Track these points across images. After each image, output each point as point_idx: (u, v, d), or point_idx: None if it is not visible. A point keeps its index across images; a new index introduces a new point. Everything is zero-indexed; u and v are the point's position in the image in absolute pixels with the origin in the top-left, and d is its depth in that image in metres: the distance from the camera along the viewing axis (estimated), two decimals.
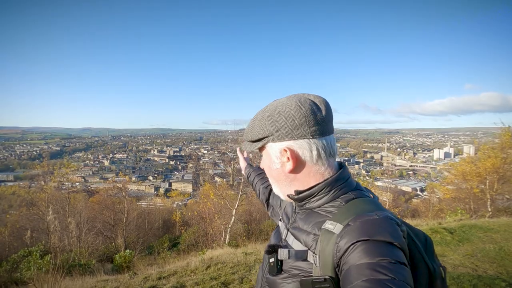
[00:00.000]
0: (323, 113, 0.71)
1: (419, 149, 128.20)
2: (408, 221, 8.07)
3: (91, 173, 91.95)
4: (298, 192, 0.74)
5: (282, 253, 0.72)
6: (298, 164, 0.72)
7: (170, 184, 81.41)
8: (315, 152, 0.71)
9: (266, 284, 0.78)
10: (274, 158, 0.75)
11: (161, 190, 73.75)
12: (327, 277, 0.60)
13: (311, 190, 0.72)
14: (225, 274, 4.07)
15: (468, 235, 5.45)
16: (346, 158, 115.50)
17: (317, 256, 0.64)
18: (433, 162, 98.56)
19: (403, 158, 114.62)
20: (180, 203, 39.76)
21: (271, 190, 1.21)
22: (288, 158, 0.72)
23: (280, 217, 0.92)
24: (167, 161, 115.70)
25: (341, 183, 0.72)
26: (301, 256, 0.68)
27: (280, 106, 0.72)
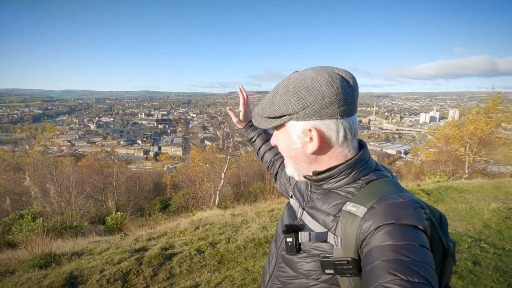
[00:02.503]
0: (353, 91, 0.66)
1: (406, 113, 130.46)
2: None
3: (77, 137, 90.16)
4: (317, 173, 0.71)
5: (303, 236, 0.71)
6: (323, 146, 0.68)
7: (159, 148, 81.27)
8: (341, 133, 0.67)
9: (282, 261, 0.78)
10: (295, 137, 0.70)
11: (151, 154, 73.70)
12: (349, 259, 0.60)
13: (331, 172, 0.69)
14: (212, 234, 4.24)
15: (444, 196, 5.77)
16: None
17: (339, 238, 0.63)
18: (419, 126, 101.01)
19: (390, 122, 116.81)
20: (170, 166, 40.17)
21: (282, 163, 1.12)
22: (311, 138, 0.67)
23: (292, 193, 0.90)
24: (155, 124, 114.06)
25: (362, 164, 0.70)
26: (321, 237, 0.68)
27: (308, 80, 0.65)
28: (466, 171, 11.66)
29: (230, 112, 1.29)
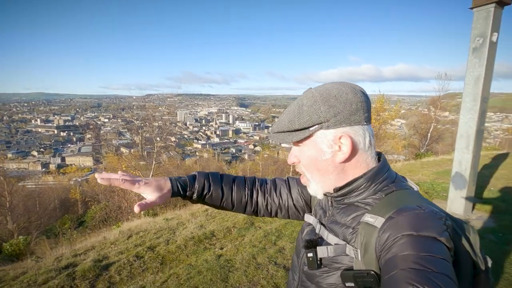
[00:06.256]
0: (369, 100, 0.71)
1: None
2: None
3: None
4: (337, 189, 0.72)
5: (321, 251, 0.70)
6: (352, 152, 0.69)
7: (63, 159, 70.10)
8: (367, 139, 0.69)
9: (303, 276, 0.77)
10: (324, 147, 0.69)
11: (52, 167, 63.01)
12: (371, 272, 0.59)
13: (351, 186, 0.70)
14: (149, 239, 4.17)
15: None
16: (257, 123, 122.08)
17: (358, 250, 0.63)
18: None
19: None
20: (79, 179, 35.26)
21: (292, 182, 1.02)
22: (339, 147, 0.68)
23: (313, 212, 0.89)
24: (56, 132, 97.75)
25: (382, 175, 0.70)
26: (340, 251, 0.67)
27: (333, 90, 0.68)
28: None
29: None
